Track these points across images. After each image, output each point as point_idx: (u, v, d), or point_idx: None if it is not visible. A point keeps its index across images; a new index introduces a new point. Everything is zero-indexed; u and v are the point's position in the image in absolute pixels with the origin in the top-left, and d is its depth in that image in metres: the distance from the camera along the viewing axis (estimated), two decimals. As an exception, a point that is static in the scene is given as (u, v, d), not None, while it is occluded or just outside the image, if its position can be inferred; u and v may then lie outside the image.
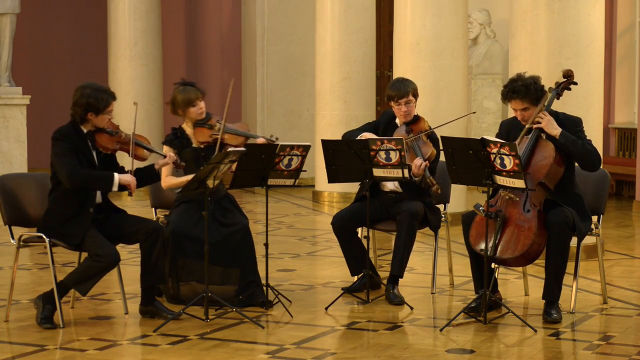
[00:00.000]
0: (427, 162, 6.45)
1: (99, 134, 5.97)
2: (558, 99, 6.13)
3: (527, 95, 5.96)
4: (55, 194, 5.93)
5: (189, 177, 6.22)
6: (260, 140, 6.51)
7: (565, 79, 6.14)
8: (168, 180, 6.50)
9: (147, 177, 6.12)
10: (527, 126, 6.01)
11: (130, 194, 5.99)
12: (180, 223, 6.37)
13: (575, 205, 6.03)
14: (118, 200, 6.65)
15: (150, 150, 6.09)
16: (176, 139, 6.53)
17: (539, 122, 5.94)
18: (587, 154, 5.94)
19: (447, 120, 6.92)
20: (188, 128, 6.58)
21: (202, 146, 6.50)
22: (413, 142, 6.55)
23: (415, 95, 6.68)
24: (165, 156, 6.14)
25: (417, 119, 6.70)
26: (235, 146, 6.44)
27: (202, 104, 6.54)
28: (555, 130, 5.93)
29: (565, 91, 6.22)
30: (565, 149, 5.93)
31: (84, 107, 5.89)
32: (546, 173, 5.90)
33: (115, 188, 5.88)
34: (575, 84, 6.20)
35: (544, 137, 6.00)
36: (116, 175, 5.89)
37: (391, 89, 6.69)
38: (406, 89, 6.64)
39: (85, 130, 5.96)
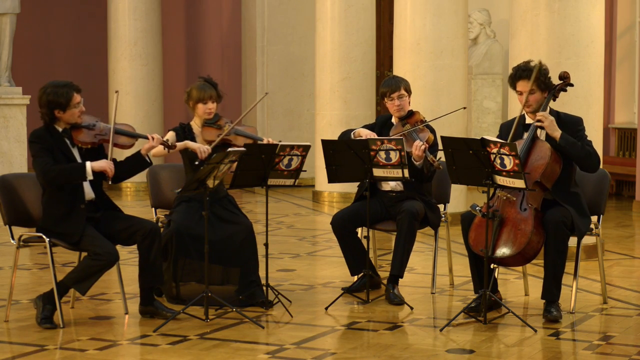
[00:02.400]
0: (425, 144, 6.47)
1: (75, 130, 5.93)
2: (554, 100, 6.15)
3: (537, 78, 5.99)
4: (46, 196, 5.92)
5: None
6: (265, 142, 6.49)
7: (562, 81, 6.16)
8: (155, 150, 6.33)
9: (135, 164, 6.08)
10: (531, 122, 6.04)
11: (107, 180, 5.92)
12: (183, 222, 6.38)
13: (573, 203, 6.04)
14: (118, 199, 6.63)
15: (134, 136, 6.05)
16: (182, 132, 6.53)
17: (540, 121, 5.96)
18: (586, 156, 5.96)
19: (439, 117, 6.97)
20: (196, 126, 6.60)
21: (207, 145, 6.50)
22: (410, 132, 6.58)
23: (408, 91, 6.73)
24: (152, 138, 6.05)
25: (411, 113, 6.74)
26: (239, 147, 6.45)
27: (212, 105, 6.55)
28: (556, 132, 5.94)
29: (566, 92, 6.25)
30: (565, 151, 5.94)
31: (47, 106, 5.85)
32: (542, 172, 5.91)
33: (89, 177, 5.83)
34: (572, 85, 6.22)
35: (541, 136, 6.02)
36: (88, 163, 5.83)
37: (383, 86, 6.78)
38: (398, 84, 6.72)
39: (60, 129, 5.92)
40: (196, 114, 6.59)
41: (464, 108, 7.53)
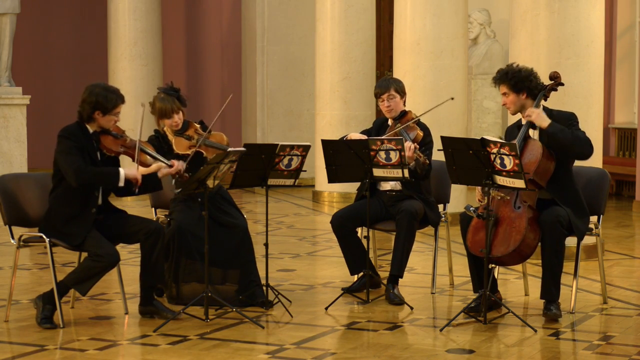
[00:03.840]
0: (416, 144, 6.48)
1: (104, 135, 5.98)
2: (545, 100, 6.19)
3: (505, 81, 6.11)
4: (56, 193, 5.93)
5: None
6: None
7: (552, 81, 6.21)
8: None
9: (150, 184, 6.08)
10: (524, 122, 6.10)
11: (135, 191, 5.97)
12: (185, 220, 6.37)
13: (571, 203, 6.04)
14: (118, 200, 6.64)
15: (154, 158, 6.08)
16: (158, 142, 6.48)
17: (529, 116, 6.02)
18: (575, 140, 5.96)
19: (428, 110, 7.01)
20: (169, 134, 6.56)
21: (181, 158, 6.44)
22: (401, 131, 6.61)
23: (399, 92, 6.76)
24: (171, 165, 6.08)
25: (404, 113, 6.76)
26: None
27: (177, 117, 6.48)
28: (544, 122, 5.99)
29: (557, 91, 6.28)
30: (554, 138, 5.95)
31: (92, 105, 5.90)
32: (535, 170, 5.92)
33: (121, 183, 5.88)
34: (562, 84, 6.28)
35: (534, 136, 6.05)
36: (122, 170, 5.90)
37: (376, 87, 6.85)
38: (388, 85, 6.75)
39: (91, 130, 5.97)
40: (163, 126, 6.57)
41: (452, 99, 7.47)
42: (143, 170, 6.03)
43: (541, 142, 6.00)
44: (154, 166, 6.05)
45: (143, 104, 6.31)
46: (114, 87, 6.06)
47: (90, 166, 5.86)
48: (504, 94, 6.14)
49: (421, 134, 6.65)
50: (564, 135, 5.95)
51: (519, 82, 6.08)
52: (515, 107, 6.12)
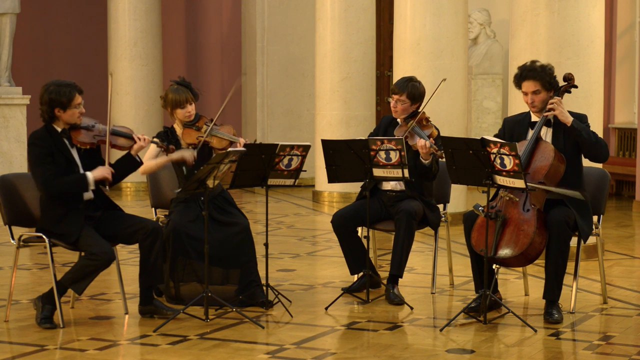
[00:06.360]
0: (431, 139, 6.46)
1: (74, 131, 5.95)
2: None
3: (542, 78, 6.02)
4: (44, 197, 5.92)
5: (164, 158, 6.20)
6: (242, 141, 6.51)
7: (566, 82, 6.18)
8: (145, 165, 6.34)
9: (126, 166, 6.06)
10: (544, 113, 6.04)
11: (107, 186, 5.94)
12: (180, 221, 6.38)
13: (579, 204, 6.03)
14: (118, 200, 6.63)
15: (133, 138, 6.04)
16: (166, 137, 6.52)
17: (552, 110, 5.97)
18: (597, 142, 5.98)
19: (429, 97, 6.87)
20: (179, 128, 6.59)
21: (190, 147, 6.47)
22: (415, 128, 6.57)
23: (412, 98, 6.68)
24: (135, 140, 6.03)
25: (416, 113, 6.72)
26: (221, 149, 6.45)
27: (190, 107, 6.52)
28: (567, 118, 5.96)
29: (570, 93, 6.27)
30: (577, 135, 5.93)
31: (49, 104, 5.87)
32: (545, 173, 5.91)
33: (92, 187, 5.86)
34: (576, 87, 6.25)
35: (545, 137, 6.03)
36: (89, 174, 5.86)
37: (394, 84, 6.79)
38: (403, 88, 6.69)
39: (59, 129, 5.93)
40: (176, 118, 6.58)
41: (444, 80, 7.21)
42: (138, 147, 5.99)
43: (553, 144, 5.98)
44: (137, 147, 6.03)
45: (111, 73, 6.37)
46: (68, 80, 6.00)
47: (57, 177, 5.80)
48: (535, 91, 6.02)
49: (436, 131, 6.60)
50: (588, 135, 5.95)
51: (553, 79, 6.05)
52: (543, 105, 6.05)
